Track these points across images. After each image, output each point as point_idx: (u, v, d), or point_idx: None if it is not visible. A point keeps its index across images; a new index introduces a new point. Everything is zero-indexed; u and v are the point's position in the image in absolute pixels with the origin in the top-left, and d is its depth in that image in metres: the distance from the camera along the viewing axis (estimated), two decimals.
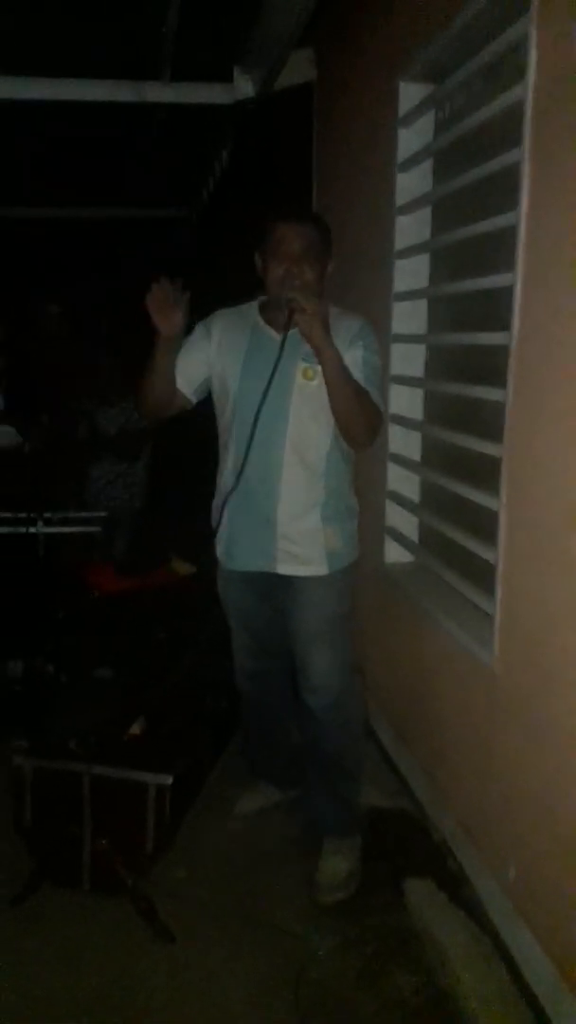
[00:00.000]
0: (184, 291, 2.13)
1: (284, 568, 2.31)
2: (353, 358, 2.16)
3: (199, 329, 2.34)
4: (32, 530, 3.39)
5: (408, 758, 2.83)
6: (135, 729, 2.43)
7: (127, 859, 2.28)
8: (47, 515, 3.45)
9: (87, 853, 2.30)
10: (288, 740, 2.61)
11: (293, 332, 2.16)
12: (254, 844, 2.62)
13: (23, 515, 3.46)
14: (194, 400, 2.36)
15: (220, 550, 2.42)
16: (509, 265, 2.00)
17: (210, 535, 2.44)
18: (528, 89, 1.88)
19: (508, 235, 2.01)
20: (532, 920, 1.99)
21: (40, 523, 3.42)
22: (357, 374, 2.15)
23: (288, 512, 2.27)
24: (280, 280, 2.15)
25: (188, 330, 2.27)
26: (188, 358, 2.30)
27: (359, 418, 2.15)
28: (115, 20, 3.02)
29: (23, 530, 3.43)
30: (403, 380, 2.86)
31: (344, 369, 2.11)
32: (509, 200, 1.99)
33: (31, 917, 2.31)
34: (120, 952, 2.20)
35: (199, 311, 2.26)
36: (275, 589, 2.37)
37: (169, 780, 2.24)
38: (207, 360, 2.31)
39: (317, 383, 2.17)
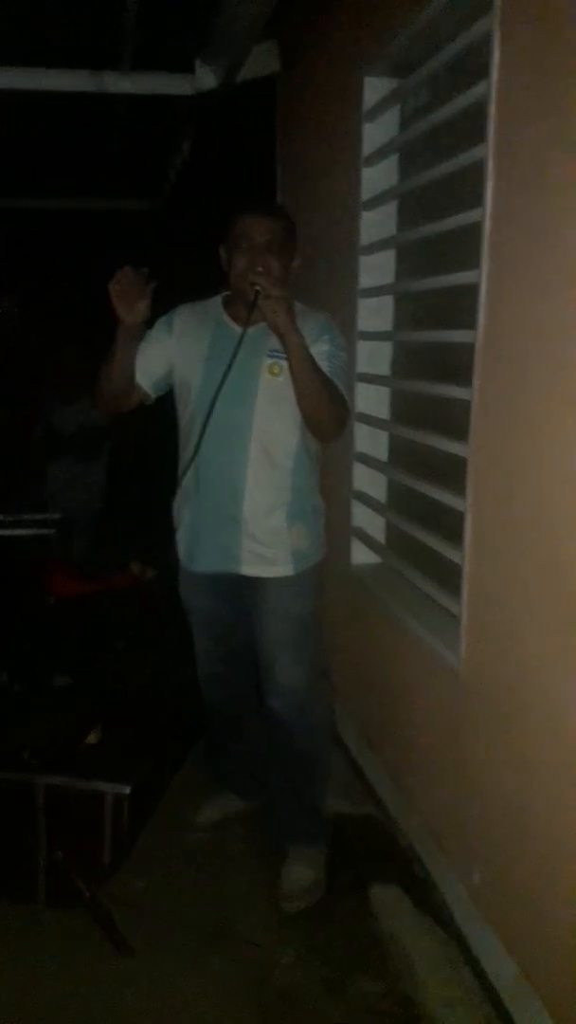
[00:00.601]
0: (150, 280, 2.07)
1: (249, 569, 2.27)
2: (319, 352, 2.13)
3: (160, 323, 2.29)
4: None
5: (375, 763, 2.80)
6: (92, 738, 2.36)
7: (84, 871, 2.22)
8: (1, 517, 3.35)
9: (42, 865, 2.23)
10: (252, 747, 2.56)
11: (258, 327, 2.12)
12: (216, 853, 2.57)
13: None
14: (153, 395, 2.30)
15: (181, 551, 2.37)
16: (475, 261, 1.97)
17: (170, 536, 2.39)
18: (491, 86, 1.87)
19: (474, 231, 1.99)
20: (497, 924, 1.98)
21: None
22: (323, 367, 2.12)
23: (254, 511, 2.23)
24: (243, 272, 2.11)
25: (150, 324, 2.21)
26: (148, 352, 2.24)
27: (326, 407, 2.12)
28: (75, 7, 2.95)
29: None
30: (369, 378, 2.83)
31: (309, 356, 2.07)
32: (477, 194, 1.97)
33: None
34: (79, 966, 2.14)
35: (161, 304, 2.21)
36: (239, 591, 2.32)
37: (127, 789, 2.18)
38: (167, 355, 2.26)
39: (283, 379, 2.14)
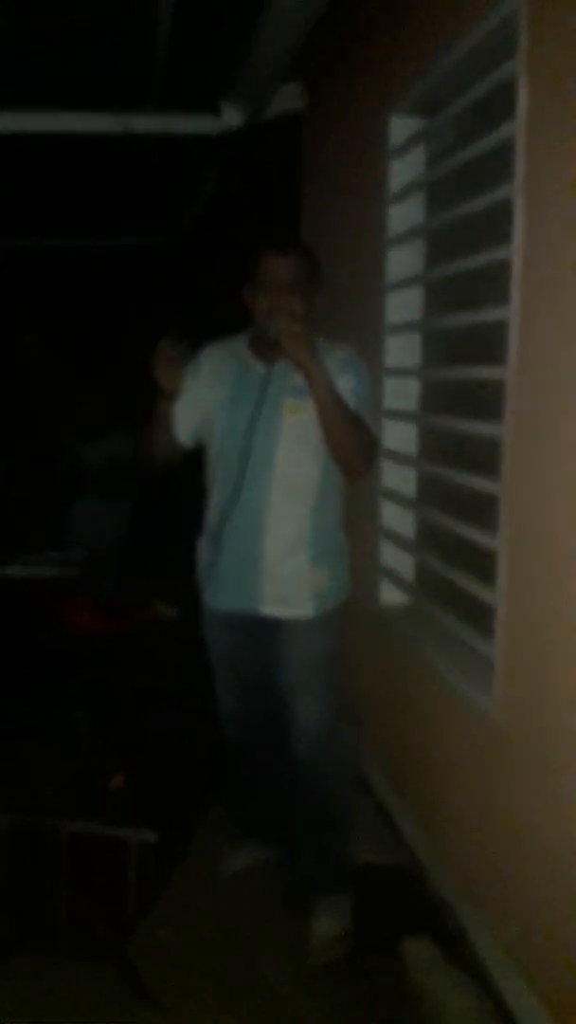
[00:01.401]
0: (184, 341, 2.12)
1: (269, 609, 2.25)
2: (344, 388, 2.11)
3: (188, 371, 2.29)
4: (9, 572, 3.29)
5: (404, 810, 2.74)
6: (116, 781, 2.32)
7: (107, 921, 2.17)
8: (25, 556, 3.34)
9: (64, 914, 2.19)
10: (276, 791, 2.51)
11: (281, 365, 2.12)
12: (242, 903, 2.51)
13: None
14: (190, 444, 2.32)
15: (205, 590, 2.36)
16: (504, 298, 1.96)
17: (194, 575, 2.37)
18: (518, 127, 1.88)
19: (503, 268, 1.98)
20: (534, 979, 1.92)
21: (18, 564, 3.31)
22: (349, 403, 2.11)
23: (275, 551, 2.21)
24: (267, 312, 2.11)
25: None
26: (181, 406, 2.26)
27: (353, 443, 2.11)
28: (103, 51, 3.00)
29: None
30: (397, 414, 2.81)
31: (335, 393, 2.06)
32: (505, 231, 1.96)
33: (2, 983, 2.18)
34: (101, 1019, 2.08)
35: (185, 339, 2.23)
36: (261, 630, 2.29)
37: (152, 837, 2.14)
38: (198, 401, 2.27)
39: (304, 418, 2.13)
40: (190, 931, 2.38)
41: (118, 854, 2.15)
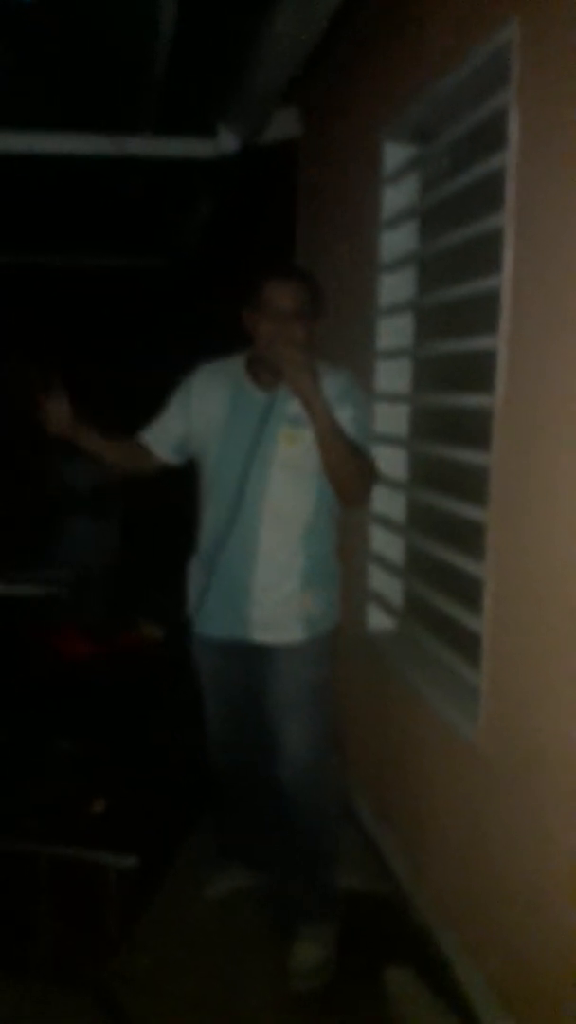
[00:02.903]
0: (56, 383, 2.22)
1: (258, 636, 2.24)
2: (343, 417, 2.11)
3: (180, 387, 2.32)
4: None
5: (389, 838, 2.73)
6: (97, 806, 2.30)
7: (88, 946, 2.15)
8: (9, 574, 3.33)
9: (45, 940, 2.16)
10: (262, 818, 2.49)
11: (280, 393, 2.13)
12: (224, 929, 2.48)
13: None
14: (175, 459, 2.34)
15: (195, 615, 2.34)
16: (494, 326, 1.97)
17: (182, 598, 2.36)
18: (509, 157, 1.90)
19: (493, 296, 1.99)
20: (516, 1009, 1.90)
21: (2, 583, 3.29)
22: (348, 432, 2.10)
23: (266, 579, 2.21)
24: (270, 339, 2.10)
25: (175, 384, 2.31)
26: (164, 418, 2.29)
27: (352, 471, 2.10)
28: (101, 76, 3.02)
29: None
30: (387, 439, 2.81)
31: (335, 423, 2.06)
32: (496, 259, 1.97)
33: None
34: None
35: (181, 360, 2.24)
36: (251, 656, 2.28)
37: (132, 861, 2.12)
38: (185, 419, 2.28)
39: (299, 448, 2.13)
40: (171, 957, 2.35)
41: (98, 879, 2.14)
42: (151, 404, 2.34)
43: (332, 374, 2.18)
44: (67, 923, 2.16)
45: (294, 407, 2.09)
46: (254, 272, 2.19)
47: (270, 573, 2.20)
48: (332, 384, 2.13)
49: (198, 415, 2.25)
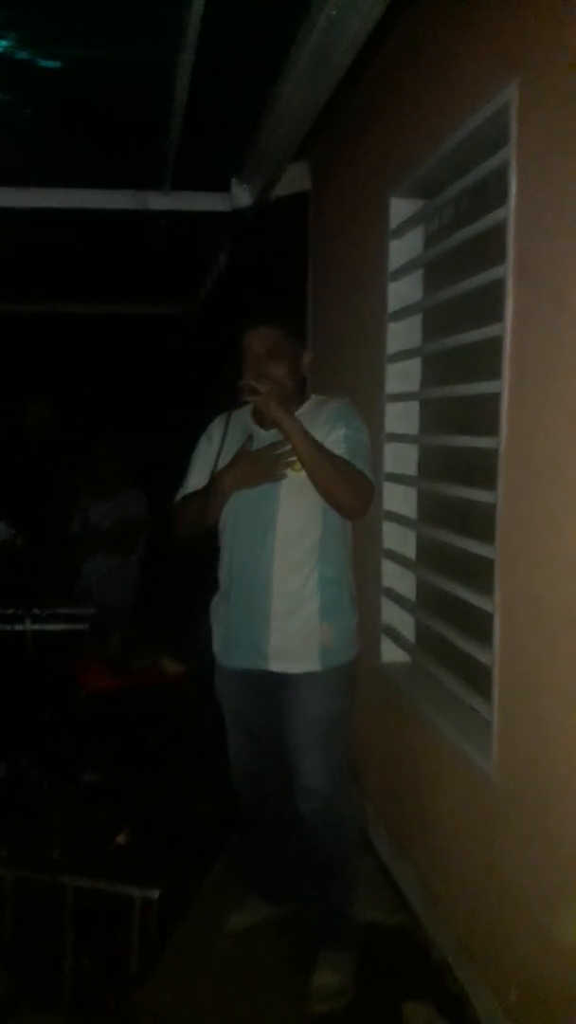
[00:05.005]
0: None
1: (276, 665, 2.29)
2: (336, 437, 2.22)
3: (203, 443, 2.44)
4: (19, 627, 3.33)
5: (406, 869, 2.74)
6: (121, 838, 2.34)
7: (110, 979, 2.17)
8: (35, 611, 3.39)
9: (68, 971, 2.19)
10: (285, 850, 2.51)
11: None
12: (245, 963, 2.49)
13: (10, 611, 3.40)
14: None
15: (216, 647, 2.41)
16: (498, 371, 2.04)
17: (202, 632, 2.42)
18: (510, 211, 1.98)
19: (496, 343, 2.07)
20: None
21: (28, 620, 3.36)
22: (340, 450, 2.20)
23: (281, 607, 2.27)
24: (243, 380, 2.23)
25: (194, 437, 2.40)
26: (200, 470, 2.40)
27: (337, 480, 2.17)
28: (120, 137, 3.16)
29: (9, 627, 3.37)
30: (396, 478, 2.89)
31: (309, 438, 2.15)
32: (497, 308, 2.05)
33: None
34: None
35: (196, 407, 2.33)
36: (272, 687, 2.33)
37: (156, 894, 2.15)
38: (215, 468, 2.34)
39: (304, 475, 2.21)
40: (193, 990, 2.36)
41: (122, 911, 2.15)
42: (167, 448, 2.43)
43: (329, 401, 2.34)
44: (91, 954, 2.17)
45: None
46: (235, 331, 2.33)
47: (285, 601, 2.26)
48: (329, 409, 2.29)
49: (223, 461, 2.34)
